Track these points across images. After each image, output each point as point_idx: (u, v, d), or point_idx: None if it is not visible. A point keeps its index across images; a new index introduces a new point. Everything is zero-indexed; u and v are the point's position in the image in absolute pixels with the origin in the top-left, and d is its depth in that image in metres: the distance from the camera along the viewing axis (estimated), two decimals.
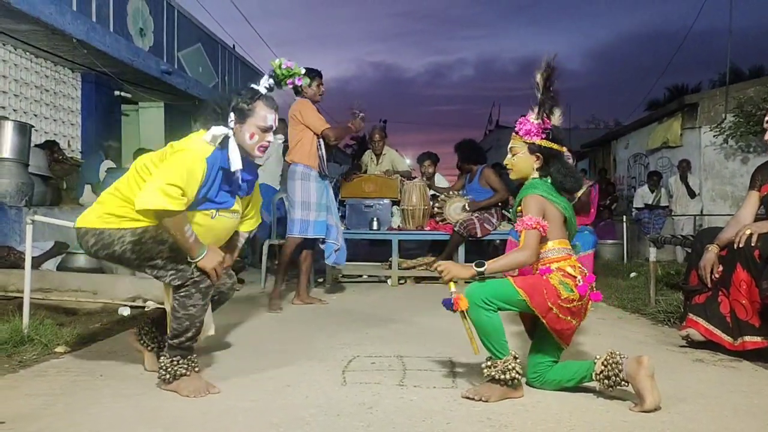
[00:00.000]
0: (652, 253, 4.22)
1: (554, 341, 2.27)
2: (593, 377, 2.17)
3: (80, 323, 3.38)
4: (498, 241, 6.28)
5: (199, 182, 2.18)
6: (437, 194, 5.96)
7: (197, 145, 2.23)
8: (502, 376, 2.14)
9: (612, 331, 3.47)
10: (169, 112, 9.83)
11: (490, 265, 2.19)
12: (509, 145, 2.43)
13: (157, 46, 9.11)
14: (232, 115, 2.27)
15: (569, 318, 2.19)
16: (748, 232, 2.70)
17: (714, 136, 8.98)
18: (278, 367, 2.57)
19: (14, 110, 6.75)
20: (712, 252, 2.87)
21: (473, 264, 2.22)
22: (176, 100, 9.46)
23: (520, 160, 2.37)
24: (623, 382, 2.09)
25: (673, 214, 8.82)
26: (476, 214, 5.50)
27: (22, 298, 3.06)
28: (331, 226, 4.43)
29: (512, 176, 2.46)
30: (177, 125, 10.17)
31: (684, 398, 2.18)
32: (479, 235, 5.50)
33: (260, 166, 2.60)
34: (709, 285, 2.87)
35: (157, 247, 2.23)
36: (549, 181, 2.35)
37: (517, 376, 2.15)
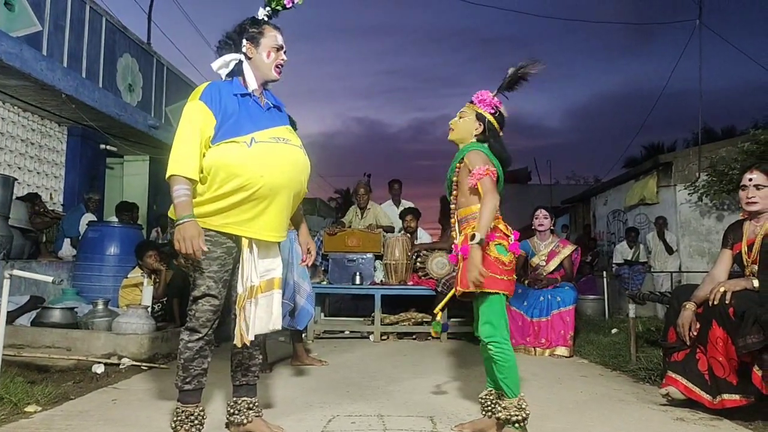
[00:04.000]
0: (632, 310, 4.25)
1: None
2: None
3: (52, 381, 3.29)
4: None
5: (204, 121, 2.21)
6: (422, 249, 5.99)
7: (192, 96, 2.29)
8: (517, 415, 2.29)
9: (594, 388, 3.46)
10: (154, 165, 9.88)
11: (479, 232, 2.32)
12: (460, 110, 2.66)
13: (145, 101, 9.26)
14: (244, 41, 2.35)
15: (513, 276, 2.47)
16: (722, 289, 2.76)
17: (689, 194, 9.22)
18: None
19: None
20: (689, 310, 2.91)
21: (470, 241, 2.33)
22: (162, 153, 9.53)
23: (465, 123, 2.61)
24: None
25: (652, 270, 8.93)
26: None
27: None
28: (288, 284, 3.84)
29: (450, 136, 2.67)
30: (161, 178, 10.20)
31: None
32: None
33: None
34: (688, 342, 2.90)
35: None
36: (486, 145, 2.56)
37: (527, 416, 2.30)
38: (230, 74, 2.39)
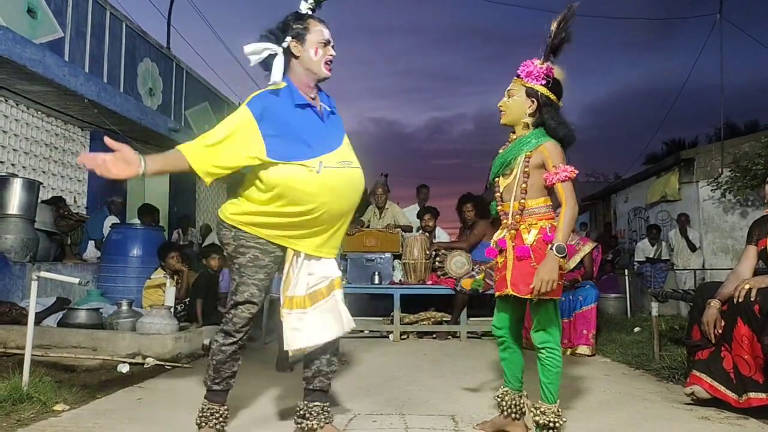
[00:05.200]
0: (655, 308, 4.21)
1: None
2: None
3: (79, 380, 3.35)
4: None
5: (241, 128, 2.11)
6: (439, 249, 5.98)
7: (244, 102, 2.20)
8: (556, 421, 2.25)
9: (617, 387, 3.42)
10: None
11: (559, 241, 2.18)
12: (507, 88, 2.39)
13: (165, 105, 9.38)
14: (289, 39, 2.23)
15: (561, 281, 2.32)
16: (747, 286, 2.71)
17: (712, 190, 9.07)
18: (277, 426, 2.54)
19: (23, 167, 6.90)
20: (714, 307, 2.87)
21: (554, 252, 2.17)
22: None
23: (515, 103, 2.35)
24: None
25: (674, 267, 8.80)
26: (477, 269, 5.52)
27: (21, 354, 3.05)
28: None
29: (503, 120, 2.41)
30: (182, 181, 10.34)
31: None
32: (481, 290, 5.50)
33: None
34: (713, 340, 2.86)
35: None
36: (543, 131, 2.32)
37: (564, 423, 2.28)
38: (264, 66, 2.26)
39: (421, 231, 6.20)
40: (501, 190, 2.42)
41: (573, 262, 5.14)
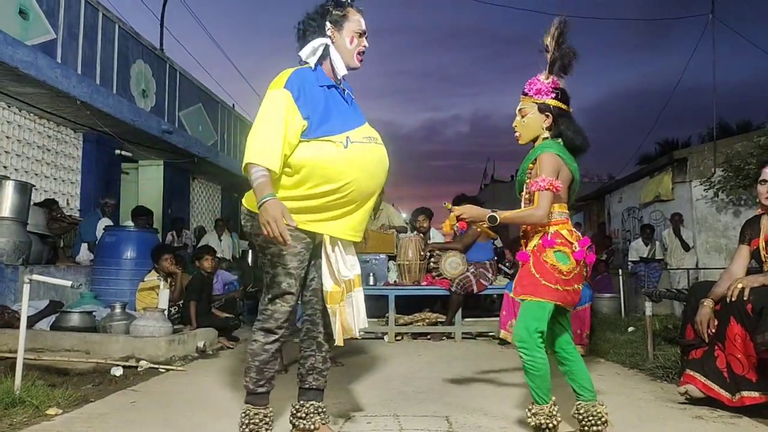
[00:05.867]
0: (648, 308, 4.22)
1: (564, 314, 2.37)
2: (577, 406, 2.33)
3: (72, 384, 3.33)
4: (495, 296, 6.26)
5: (289, 111, 2.07)
6: (435, 249, 5.99)
7: (275, 83, 2.15)
8: (548, 422, 2.21)
9: (612, 388, 3.43)
10: (169, 169, 9.98)
11: (503, 214, 2.24)
12: (518, 107, 2.42)
13: (159, 106, 9.35)
14: (327, 24, 2.23)
15: (575, 286, 2.28)
16: (740, 286, 2.73)
17: (705, 189, 9.11)
18: (275, 428, 2.52)
19: (15, 170, 6.86)
20: (707, 307, 2.88)
21: (490, 211, 2.25)
22: (176, 158, 9.63)
23: (531, 120, 2.37)
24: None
25: (668, 267, 8.84)
26: (471, 270, 5.52)
27: (14, 358, 3.03)
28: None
29: (522, 140, 2.44)
30: (176, 183, 10.32)
31: None
32: (475, 291, 5.51)
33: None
34: (706, 340, 2.87)
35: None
36: (560, 141, 2.36)
37: (558, 423, 2.24)
38: (319, 60, 2.25)
39: (415, 232, 6.21)
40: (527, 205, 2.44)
41: None
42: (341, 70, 2.25)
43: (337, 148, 2.10)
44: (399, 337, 5.57)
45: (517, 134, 2.45)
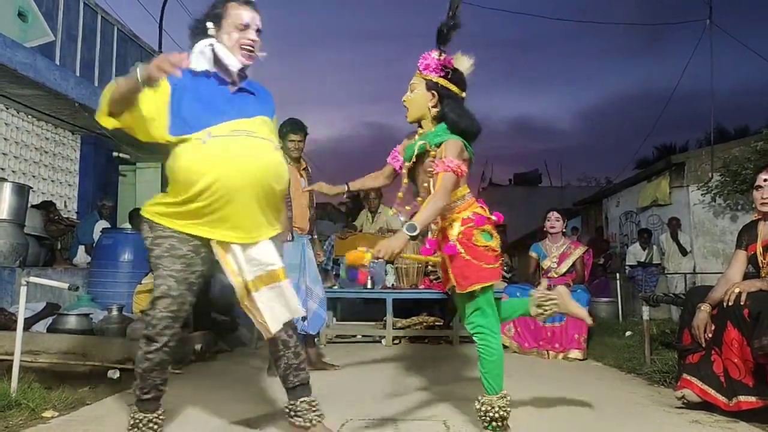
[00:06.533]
0: (646, 312, 4.22)
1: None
2: (531, 310, 2.43)
3: (69, 387, 3.31)
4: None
5: (156, 97, 2.03)
6: None
7: None
8: (498, 412, 2.18)
9: (608, 392, 3.44)
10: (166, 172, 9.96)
11: (420, 222, 2.08)
12: (410, 82, 2.36)
13: None
14: (209, 24, 2.15)
15: (501, 260, 2.34)
16: (737, 290, 2.73)
17: (702, 194, 9.14)
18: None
19: (13, 171, 6.85)
20: (704, 311, 2.89)
21: (404, 229, 2.08)
22: None
23: (417, 97, 2.31)
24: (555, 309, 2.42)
25: (666, 271, 8.85)
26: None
27: (10, 360, 3.01)
28: (300, 289, 3.86)
29: (409, 117, 2.38)
30: None
31: None
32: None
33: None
34: (703, 344, 2.87)
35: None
36: (443, 125, 2.29)
37: (508, 415, 2.22)
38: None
39: None
40: (418, 189, 2.37)
41: (565, 266, 5.16)
42: (233, 67, 2.14)
43: (194, 146, 2.03)
44: (397, 341, 5.57)
45: (405, 108, 2.39)
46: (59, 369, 3.75)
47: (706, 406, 2.82)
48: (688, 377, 2.88)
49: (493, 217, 2.30)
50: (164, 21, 11.46)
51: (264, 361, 4.21)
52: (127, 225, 7.00)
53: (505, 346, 4.91)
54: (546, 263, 5.24)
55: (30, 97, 6.49)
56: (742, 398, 2.67)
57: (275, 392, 3.39)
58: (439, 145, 2.25)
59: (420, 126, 2.41)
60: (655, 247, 9.21)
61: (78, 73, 7.24)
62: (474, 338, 2.26)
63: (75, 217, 7.63)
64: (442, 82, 2.27)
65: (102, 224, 6.74)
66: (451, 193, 2.16)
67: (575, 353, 4.67)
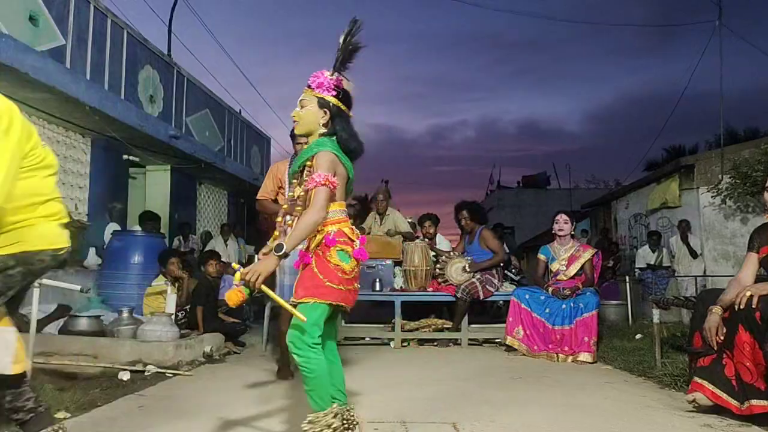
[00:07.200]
0: (656, 315, 4.20)
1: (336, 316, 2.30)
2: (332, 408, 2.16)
3: (80, 388, 3.35)
4: (501, 302, 6.25)
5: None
6: (439, 255, 5.99)
7: None
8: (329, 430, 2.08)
9: (619, 395, 3.42)
10: (176, 175, 10.03)
11: (288, 243, 2.07)
12: (299, 98, 2.37)
13: (166, 112, 9.41)
14: None
15: (355, 285, 2.25)
16: (748, 293, 2.72)
17: (712, 196, 9.08)
18: None
19: None
20: (715, 314, 2.87)
21: (273, 252, 2.07)
22: (183, 163, 9.67)
23: (308, 113, 2.33)
24: None
25: (676, 274, 8.80)
26: (477, 276, 5.51)
27: None
28: (284, 286, 3.90)
29: (297, 130, 2.39)
30: (183, 188, 10.36)
31: None
32: (481, 297, 5.50)
33: None
34: (714, 347, 2.85)
35: None
36: (335, 140, 2.30)
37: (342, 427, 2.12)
38: None
39: (421, 238, 6.21)
40: (297, 200, 2.34)
41: (573, 269, 5.15)
42: None
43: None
44: (405, 343, 5.56)
45: (294, 124, 2.40)
46: (71, 370, 3.79)
47: (717, 409, 2.81)
48: (700, 380, 2.86)
49: (357, 241, 2.25)
50: (173, 24, 11.51)
51: (273, 363, 4.23)
52: (137, 227, 7.06)
53: (514, 349, 4.97)
54: (555, 266, 5.22)
55: (41, 100, 6.54)
56: (754, 402, 2.65)
57: (284, 395, 3.40)
58: (311, 158, 2.27)
59: (307, 142, 2.43)
60: (664, 249, 9.16)
61: (88, 77, 7.28)
62: (293, 355, 2.15)
63: (86, 219, 7.67)
64: (334, 101, 2.32)
65: (112, 227, 6.80)
66: (324, 208, 2.14)
67: (585, 356, 4.65)
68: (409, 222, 6.73)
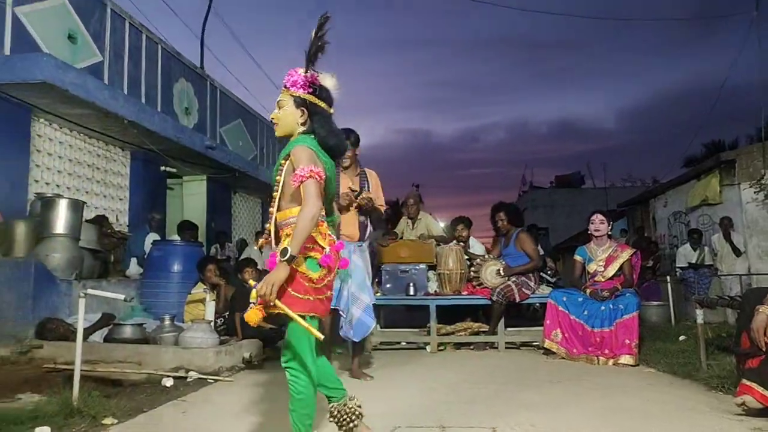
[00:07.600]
0: (700, 315, 4.09)
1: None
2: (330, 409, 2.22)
3: (126, 394, 3.44)
4: (537, 305, 6.17)
5: None
6: (473, 259, 5.95)
7: None
8: None
9: (663, 398, 3.34)
10: (211, 184, 10.23)
11: (292, 245, 2.01)
12: (277, 99, 2.32)
13: (201, 123, 9.62)
14: None
15: (329, 293, 2.18)
16: None
17: (755, 192, 8.78)
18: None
19: (68, 188, 7.14)
20: (763, 314, 2.79)
21: (279, 257, 2.02)
22: (218, 173, 9.87)
23: (286, 114, 2.26)
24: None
25: (719, 273, 8.54)
26: (513, 279, 5.46)
27: (70, 369, 3.15)
28: (342, 295, 3.94)
29: (278, 132, 2.33)
30: (218, 197, 10.56)
31: None
32: (517, 300, 5.44)
33: None
34: (763, 348, 2.77)
35: None
36: (314, 138, 2.23)
37: None
38: None
39: (455, 241, 6.18)
40: (272, 203, 2.29)
41: (612, 270, 5.04)
42: None
43: None
44: (441, 347, 5.54)
45: (274, 124, 2.35)
46: (116, 377, 3.89)
47: (767, 412, 2.72)
48: (748, 383, 2.78)
49: (327, 247, 2.14)
50: (205, 38, 11.77)
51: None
52: (176, 237, 7.23)
53: (552, 352, 4.90)
54: (592, 267, 5.13)
55: (81, 115, 6.77)
56: None
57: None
58: (286, 158, 2.20)
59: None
60: (706, 248, 8.90)
61: (126, 91, 7.52)
62: (286, 373, 2.16)
63: (126, 230, 7.89)
64: (311, 98, 2.25)
65: (152, 237, 6.97)
66: (318, 198, 2.06)
67: (626, 359, 4.55)
68: (442, 226, 6.71)
